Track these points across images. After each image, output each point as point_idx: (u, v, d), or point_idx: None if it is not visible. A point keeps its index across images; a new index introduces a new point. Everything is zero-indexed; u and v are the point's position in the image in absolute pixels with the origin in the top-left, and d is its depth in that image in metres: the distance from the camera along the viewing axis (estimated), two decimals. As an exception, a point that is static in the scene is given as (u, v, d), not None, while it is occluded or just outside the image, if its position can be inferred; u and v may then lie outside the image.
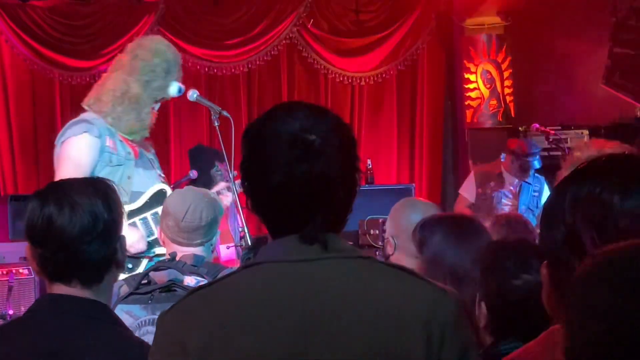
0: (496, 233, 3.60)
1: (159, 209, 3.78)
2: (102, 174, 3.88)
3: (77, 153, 3.92)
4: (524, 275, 2.14)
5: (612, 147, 2.53)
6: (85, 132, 3.93)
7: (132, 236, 3.80)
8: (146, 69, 4.04)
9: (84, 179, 2.09)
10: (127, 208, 3.71)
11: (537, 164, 6.15)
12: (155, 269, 2.87)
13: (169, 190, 4.00)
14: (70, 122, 4.07)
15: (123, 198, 3.84)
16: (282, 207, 1.49)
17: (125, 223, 3.72)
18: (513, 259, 2.16)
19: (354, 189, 1.54)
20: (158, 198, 3.92)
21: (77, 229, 1.88)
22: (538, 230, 6.14)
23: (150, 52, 4.08)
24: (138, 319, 2.74)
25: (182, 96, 4.22)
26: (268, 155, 1.49)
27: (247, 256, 2.88)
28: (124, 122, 4.01)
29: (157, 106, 4.09)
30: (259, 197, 1.52)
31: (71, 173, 3.56)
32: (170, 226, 3.07)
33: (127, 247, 3.71)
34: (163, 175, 4.23)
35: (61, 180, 2.07)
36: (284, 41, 8.22)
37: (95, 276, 1.93)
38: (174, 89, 4.08)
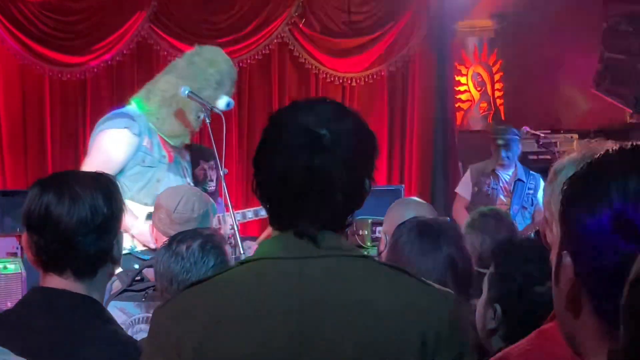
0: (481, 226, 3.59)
1: None
2: (132, 172, 3.92)
3: (112, 146, 3.91)
4: (549, 282, 2.05)
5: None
6: (126, 127, 3.93)
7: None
8: (199, 77, 4.04)
9: (88, 172, 2.07)
10: (149, 210, 3.70)
11: (514, 147, 6.07)
12: (150, 265, 2.85)
13: None
14: (113, 112, 4.09)
15: (144, 200, 3.86)
16: (280, 197, 1.47)
17: (147, 222, 3.70)
18: (538, 263, 2.05)
19: (360, 195, 1.52)
20: None
21: (74, 220, 1.86)
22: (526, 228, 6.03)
23: (206, 61, 4.10)
24: (132, 317, 2.72)
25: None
26: (277, 142, 1.47)
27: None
28: (167, 124, 4.02)
29: (202, 115, 4.05)
30: (262, 183, 1.50)
31: (99, 164, 3.47)
32: (162, 219, 3.07)
33: (148, 242, 3.69)
34: (192, 183, 4.22)
35: (65, 171, 2.07)
36: (275, 40, 8.20)
37: (89, 269, 1.91)
38: (222, 102, 4.05)
